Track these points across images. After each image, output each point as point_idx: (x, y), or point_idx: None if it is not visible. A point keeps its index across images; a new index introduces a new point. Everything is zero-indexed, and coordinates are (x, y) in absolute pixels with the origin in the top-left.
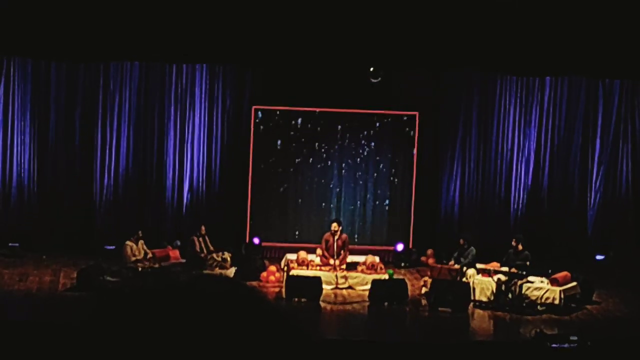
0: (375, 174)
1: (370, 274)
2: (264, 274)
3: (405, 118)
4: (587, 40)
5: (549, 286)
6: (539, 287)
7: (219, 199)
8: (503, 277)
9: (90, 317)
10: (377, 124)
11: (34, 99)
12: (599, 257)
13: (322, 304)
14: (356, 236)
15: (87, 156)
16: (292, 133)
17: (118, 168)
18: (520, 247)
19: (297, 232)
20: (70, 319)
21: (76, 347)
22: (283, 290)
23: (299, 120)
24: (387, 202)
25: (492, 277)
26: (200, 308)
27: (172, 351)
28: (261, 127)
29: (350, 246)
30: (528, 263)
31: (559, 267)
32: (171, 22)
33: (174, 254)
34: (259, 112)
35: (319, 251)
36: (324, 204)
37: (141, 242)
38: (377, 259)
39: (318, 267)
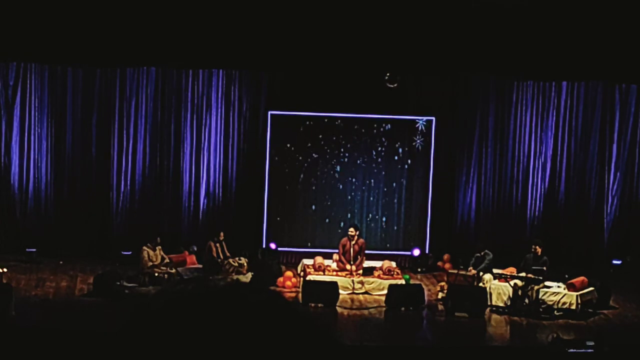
0: (392, 179)
1: (386, 279)
2: (281, 279)
3: (421, 123)
4: (604, 45)
5: (566, 291)
6: (555, 292)
7: (235, 204)
8: (520, 282)
9: (129, 322)
10: (394, 129)
11: (50, 105)
12: (615, 262)
13: (339, 309)
14: (373, 241)
15: (104, 161)
16: (308, 138)
17: (134, 173)
18: (539, 251)
19: (313, 238)
20: (87, 325)
21: (114, 353)
22: (299, 295)
23: (315, 126)
24: (403, 207)
25: (508, 282)
26: (241, 314)
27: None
28: (277, 132)
29: (367, 251)
30: (545, 268)
31: (576, 272)
32: (187, 28)
33: (191, 259)
34: (275, 117)
35: (335, 256)
36: (340, 209)
37: (159, 247)
38: (393, 264)
39: (335, 272)
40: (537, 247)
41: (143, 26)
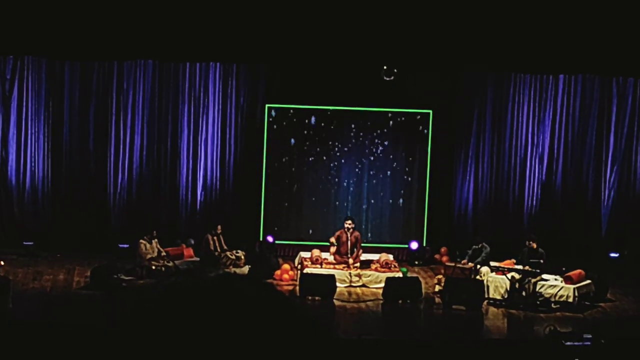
0: (389, 172)
1: (384, 272)
2: (278, 272)
3: (418, 116)
4: (601, 39)
5: (563, 284)
6: (553, 285)
7: (232, 198)
8: (517, 275)
9: (125, 315)
10: (391, 122)
11: (48, 98)
12: (613, 255)
13: (336, 302)
14: (370, 234)
15: (101, 155)
16: (305, 131)
17: (132, 167)
18: (534, 245)
19: (310, 230)
20: (84, 318)
21: (107, 347)
22: (297, 288)
23: (313, 119)
24: (401, 200)
25: (505, 275)
26: (233, 307)
27: (205, 348)
28: (275, 125)
29: (364, 244)
30: (542, 261)
31: (573, 264)
32: (185, 21)
33: (188, 252)
34: (273, 111)
35: (332, 249)
36: (337, 202)
37: (155, 240)
38: (391, 257)
39: (332, 265)
40: (532, 242)
41: (140, 19)
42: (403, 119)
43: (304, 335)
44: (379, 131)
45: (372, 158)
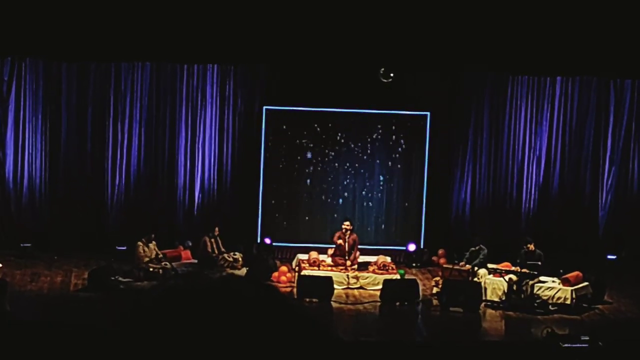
0: (387, 174)
1: (381, 274)
2: (276, 274)
3: (416, 118)
4: (598, 40)
5: (561, 286)
6: (550, 287)
7: (230, 199)
8: (514, 277)
9: (123, 317)
10: (389, 124)
11: (45, 99)
12: (610, 257)
13: (334, 304)
14: (367, 236)
15: (99, 156)
16: (303, 133)
17: (129, 168)
18: (532, 247)
19: (308, 232)
20: (82, 320)
21: (106, 348)
22: (294, 290)
23: (310, 120)
24: (398, 202)
25: (503, 277)
26: (234, 309)
27: (204, 351)
28: (272, 127)
29: (362, 246)
30: (540, 263)
31: (571, 267)
32: (182, 23)
33: (186, 254)
34: (270, 113)
35: (330, 251)
36: (335, 204)
37: (153, 242)
38: (388, 259)
39: (329, 268)
40: (530, 245)
41: (138, 21)
42: (401, 120)
43: (305, 336)
44: (376, 133)
45: (369, 159)
